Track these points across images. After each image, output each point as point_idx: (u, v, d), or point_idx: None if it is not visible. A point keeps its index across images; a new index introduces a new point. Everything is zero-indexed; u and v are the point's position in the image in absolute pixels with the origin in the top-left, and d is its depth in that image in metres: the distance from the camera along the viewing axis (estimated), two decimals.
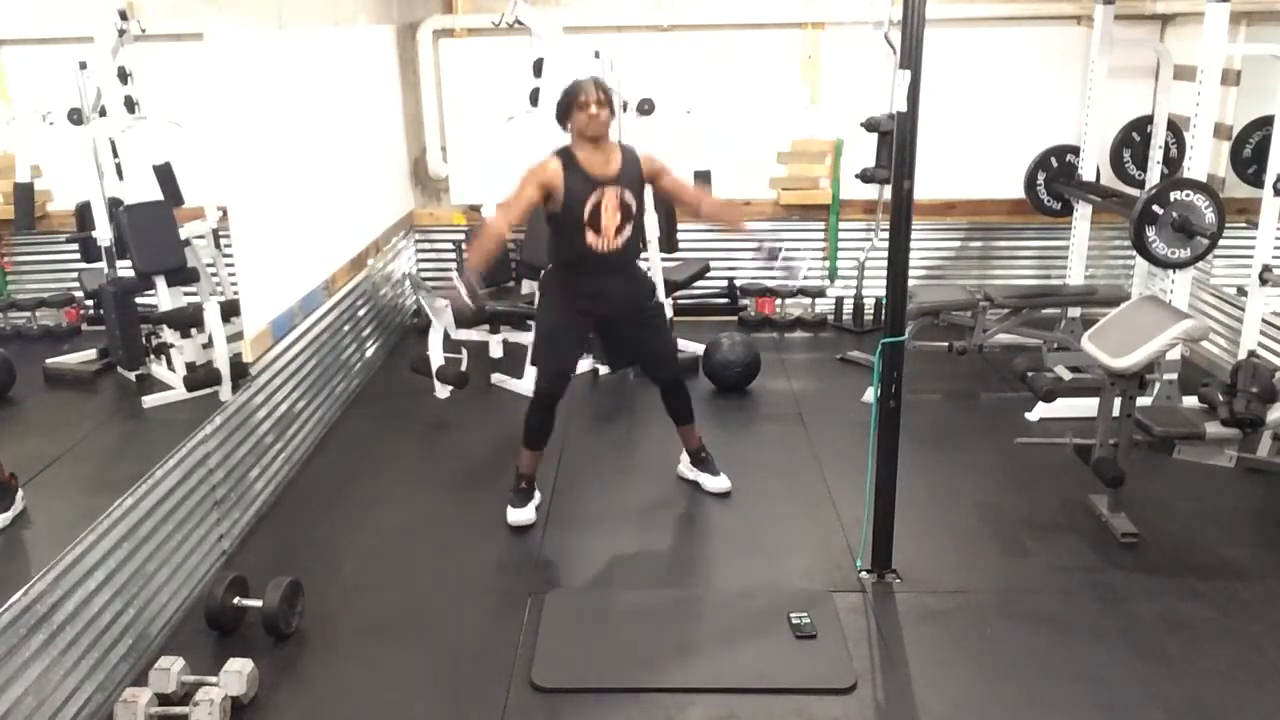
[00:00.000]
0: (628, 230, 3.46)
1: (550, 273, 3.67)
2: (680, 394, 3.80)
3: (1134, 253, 4.32)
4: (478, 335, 5.06)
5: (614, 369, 3.77)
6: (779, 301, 6.03)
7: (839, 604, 3.09)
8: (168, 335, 4.37)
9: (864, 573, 3.25)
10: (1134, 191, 5.13)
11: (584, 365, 4.55)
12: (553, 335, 3.64)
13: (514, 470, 3.70)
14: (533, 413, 3.65)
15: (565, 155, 3.41)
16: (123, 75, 4.32)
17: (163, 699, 2.62)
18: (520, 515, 3.61)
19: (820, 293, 6.03)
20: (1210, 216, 4.03)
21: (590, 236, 3.41)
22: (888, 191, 4.07)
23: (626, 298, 3.58)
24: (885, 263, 3.01)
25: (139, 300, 4.44)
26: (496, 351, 5.23)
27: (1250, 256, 4.26)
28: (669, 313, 4.69)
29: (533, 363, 3.72)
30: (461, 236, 5.88)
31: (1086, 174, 5.31)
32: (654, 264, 5.04)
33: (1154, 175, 5.05)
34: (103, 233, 4.37)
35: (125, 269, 4.40)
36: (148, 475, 2.93)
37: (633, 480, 3.99)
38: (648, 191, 5.10)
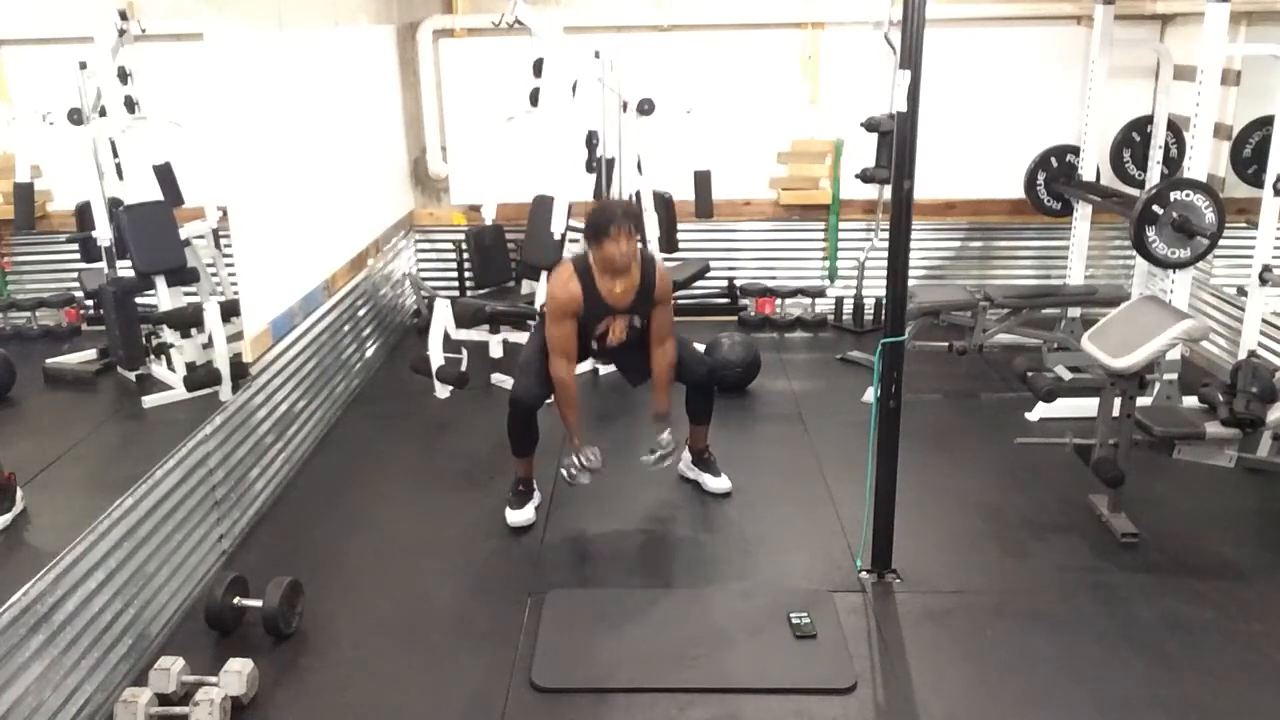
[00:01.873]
0: (634, 338, 3.59)
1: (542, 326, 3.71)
2: (707, 396, 3.81)
3: (1134, 253, 4.32)
4: (478, 335, 5.06)
5: (634, 384, 3.80)
6: (779, 301, 6.03)
7: (839, 604, 3.09)
8: (168, 335, 4.37)
9: (864, 573, 3.25)
10: (1134, 191, 5.13)
11: (584, 366, 4.55)
12: (540, 354, 3.60)
13: (513, 472, 3.70)
14: (511, 424, 3.63)
15: (585, 277, 3.45)
16: (123, 75, 4.32)
17: (163, 699, 2.62)
18: (519, 516, 3.61)
19: (820, 293, 6.04)
20: (1210, 216, 4.03)
21: (594, 344, 3.59)
22: (888, 191, 4.07)
23: (619, 352, 3.68)
24: (885, 263, 3.01)
25: (139, 300, 4.43)
26: (496, 351, 5.24)
27: (1250, 256, 4.26)
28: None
29: (516, 371, 3.72)
30: (461, 236, 5.88)
31: (1086, 174, 5.31)
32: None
33: (1154, 175, 5.05)
34: (103, 233, 4.37)
35: (125, 269, 4.40)
36: (148, 475, 2.92)
37: (633, 480, 3.99)
38: (647, 191, 5.13)
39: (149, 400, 4.22)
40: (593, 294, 3.45)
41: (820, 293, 6.03)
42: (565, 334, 3.46)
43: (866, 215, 5.91)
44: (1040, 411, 4.44)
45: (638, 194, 5.07)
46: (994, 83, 5.72)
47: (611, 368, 4.87)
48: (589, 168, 5.14)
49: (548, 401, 3.61)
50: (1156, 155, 5.03)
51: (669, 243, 5.20)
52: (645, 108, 5.16)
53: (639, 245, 3.47)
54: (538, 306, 4.69)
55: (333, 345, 4.62)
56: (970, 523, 3.63)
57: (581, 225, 5.20)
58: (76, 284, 5.04)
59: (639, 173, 5.12)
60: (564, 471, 3.53)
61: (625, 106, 5.07)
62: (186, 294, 4.56)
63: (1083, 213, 5.28)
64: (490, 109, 5.56)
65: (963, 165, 5.80)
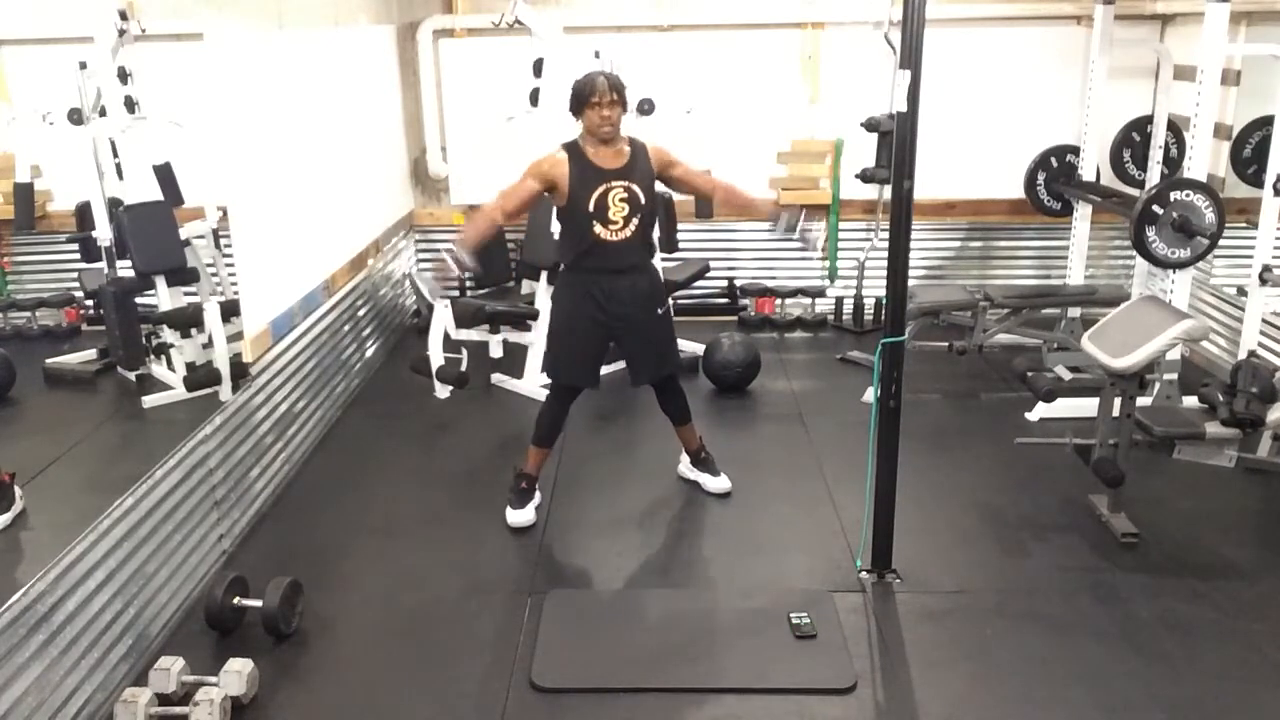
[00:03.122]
0: (636, 221, 3.44)
1: (562, 274, 3.65)
2: (675, 395, 3.79)
3: (1134, 253, 4.32)
4: (478, 335, 5.06)
5: (636, 384, 3.76)
6: (779, 301, 6.03)
7: (839, 604, 3.09)
8: (168, 335, 4.37)
9: (864, 573, 3.25)
10: (1134, 191, 5.13)
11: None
12: (568, 332, 3.58)
13: (513, 471, 3.69)
14: (547, 407, 3.65)
15: (572, 149, 3.42)
16: (123, 75, 4.32)
17: (163, 699, 2.62)
18: (519, 516, 3.61)
19: (820, 293, 6.04)
20: (1210, 216, 4.03)
21: (598, 228, 3.40)
22: (888, 191, 4.07)
23: (636, 301, 3.53)
24: (885, 263, 3.01)
25: (139, 300, 4.43)
26: (496, 351, 5.23)
27: (1250, 256, 4.26)
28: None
29: (546, 366, 3.70)
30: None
31: (1086, 174, 5.31)
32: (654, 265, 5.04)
33: (1154, 175, 5.05)
34: (103, 233, 4.36)
35: (125, 269, 4.40)
36: (148, 475, 2.92)
37: (633, 480, 3.99)
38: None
39: (149, 400, 4.22)
40: (582, 162, 3.38)
41: (820, 293, 6.03)
42: (522, 187, 3.40)
43: (866, 215, 5.91)
44: (1040, 411, 4.44)
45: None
46: (994, 83, 5.73)
47: (612, 368, 4.86)
48: None
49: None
50: (1156, 155, 5.03)
51: (669, 243, 5.20)
52: (645, 108, 5.15)
53: (623, 111, 3.41)
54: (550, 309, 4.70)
55: (333, 345, 4.62)
56: (970, 523, 3.63)
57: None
58: (76, 284, 5.03)
59: None
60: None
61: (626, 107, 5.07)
62: (186, 294, 4.56)
63: (1083, 213, 5.28)
64: (490, 109, 5.56)
65: (963, 165, 5.79)
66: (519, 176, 3.42)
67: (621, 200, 3.40)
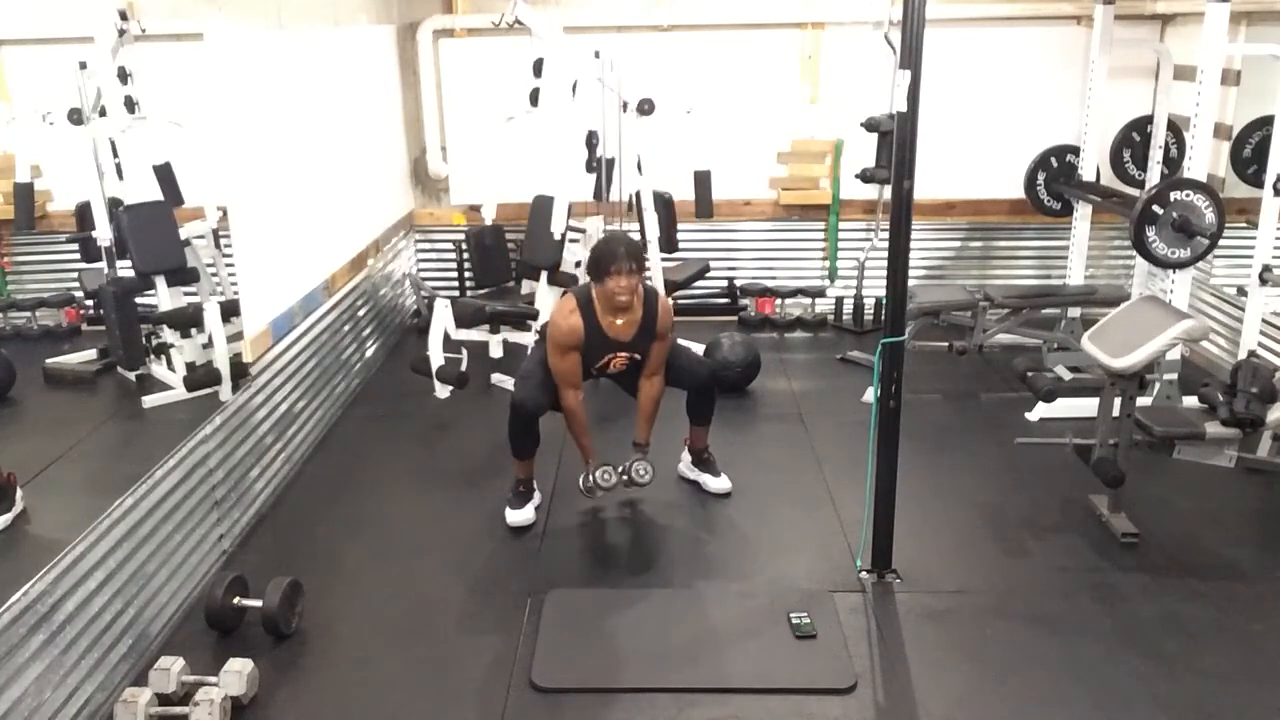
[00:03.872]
0: (630, 367, 3.63)
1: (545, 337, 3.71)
2: (708, 398, 3.81)
3: (1134, 253, 4.32)
4: (478, 335, 5.06)
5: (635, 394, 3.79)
6: (779, 301, 6.03)
7: (839, 604, 3.09)
8: (168, 335, 4.37)
9: (864, 573, 3.25)
10: (1134, 191, 5.13)
11: None
12: (543, 365, 3.60)
13: (513, 473, 3.70)
14: (512, 427, 3.63)
15: (586, 310, 3.46)
16: (123, 75, 4.32)
17: (163, 699, 2.62)
18: (519, 516, 3.61)
19: (820, 293, 6.04)
20: (1210, 216, 4.03)
21: (594, 372, 3.62)
22: (888, 191, 4.07)
23: (627, 375, 3.70)
24: (885, 263, 3.01)
25: (139, 300, 4.43)
26: (496, 351, 5.24)
27: (1250, 256, 4.26)
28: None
29: (517, 379, 3.72)
30: (461, 236, 5.88)
31: (1086, 174, 5.31)
32: (654, 264, 5.05)
33: (1154, 175, 5.05)
34: (103, 233, 4.36)
35: (125, 269, 4.40)
36: (148, 475, 2.92)
37: None
38: (647, 191, 5.12)
39: (149, 400, 4.22)
40: (594, 328, 3.46)
41: (820, 293, 6.03)
42: (569, 367, 3.48)
43: (866, 215, 5.91)
44: (1040, 411, 4.44)
45: (638, 194, 5.07)
46: (994, 83, 5.73)
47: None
48: (589, 168, 5.14)
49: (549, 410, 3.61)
50: (1156, 155, 5.03)
51: (669, 243, 5.20)
52: (645, 108, 5.15)
53: (641, 281, 3.46)
54: (539, 321, 4.70)
55: (333, 345, 4.62)
56: (970, 523, 3.63)
57: (580, 226, 5.22)
58: (76, 284, 5.03)
59: (639, 173, 5.12)
60: (582, 487, 3.60)
61: (625, 106, 5.07)
62: (186, 294, 4.55)
63: (1083, 213, 5.28)
64: (490, 109, 5.56)
65: (963, 165, 5.80)
66: (553, 356, 3.47)
67: (622, 364, 3.60)
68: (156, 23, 4.34)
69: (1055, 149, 5.43)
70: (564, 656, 2.86)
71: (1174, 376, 4.15)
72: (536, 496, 3.72)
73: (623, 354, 3.55)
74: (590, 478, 3.54)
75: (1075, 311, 5.03)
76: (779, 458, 4.19)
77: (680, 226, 5.35)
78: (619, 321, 3.48)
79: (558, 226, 4.89)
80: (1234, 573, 3.26)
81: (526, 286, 5.49)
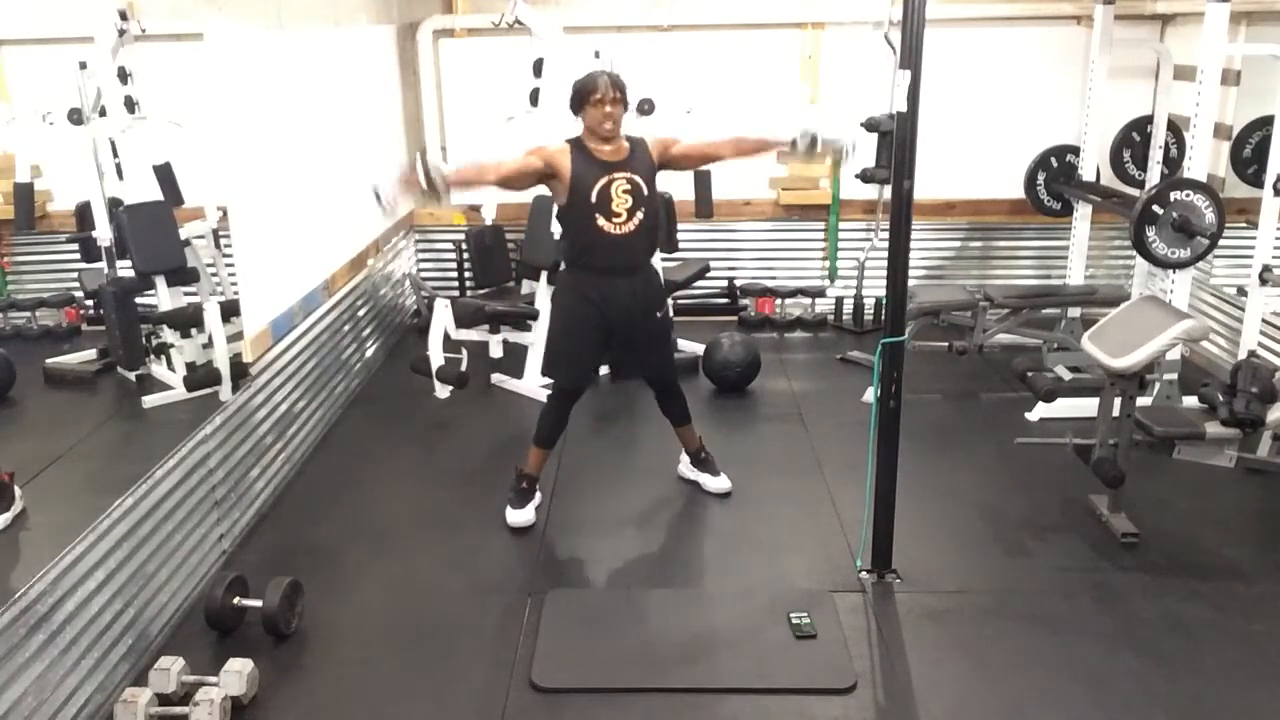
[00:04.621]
0: (640, 215, 3.41)
1: (561, 275, 3.66)
2: (675, 397, 3.80)
3: (1134, 253, 4.32)
4: (478, 335, 5.06)
5: (616, 379, 3.75)
6: (779, 301, 6.03)
7: (839, 604, 3.09)
8: (168, 335, 4.37)
9: (864, 573, 3.25)
10: (1134, 191, 5.13)
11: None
12: (567, 333, 3.58)
13: (514, 470, 3.69)
14: (550, 409, 3.64)
15: (575, 143, 3.42)
16: (123, 75, 4.32)
17: (163, 699, 2.62)
18: (519, 516, 3.61)
19: (820, 293, 6.04)
20: (1210, 216, 4.03)
21: (601, 221, 3.38)
22: (888, 191, 4.07)
23: (636, 302, 3.52)
24: (885, 263, 3.01)
25: (139, 300, 4.43)
26: (496, 351, 5.24)
27: (1250, 256, 4.26)
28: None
29: (545, 368, 3.70)
30: (461, 236, 5.88)
31: (1086, 174, 5.31)
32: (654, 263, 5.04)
33: (1154, 175, 5.05)
34: (103, 233, 4.36)
35: (125, 269, 4.40)
36: (148, 475, 2.92)
37: (633, 480, 3.99)
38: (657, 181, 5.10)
39: (149, 400, 4.22)
40: (583, 153, 3.38)
41: (820, 293, 6.03)
42: (523, 160, 3.35)
43: (866, 215, 5.91)
44: (1040, 411, 4.44)
45: None
46: (994, 83, 5.72)
47: (614, 377, 4.86)
48: None
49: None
50: (1156, 155, 5.03)
51: (669, 243, 5.20)
52: (645, 108, 5.15)
53: (624, 108, 3.38)
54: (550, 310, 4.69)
55: (333, 345, 4.62)
56: (970, 523, 3.63)
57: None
58: (76, 284, 5.04)
59: None
60: (379, 189, 3.24)
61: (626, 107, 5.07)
62: (186, 294, 4.55)
63: (1083, 213, 5.28)
64: (490, 109, 5.56)
65: (963, 165, 5.79)
66: (523, 154, 3.39)
67: (625, 192, 3.37)
68: (156, 23, 4.34)
69: (1055, 149, 5.43)
70: (564, 656, 2.86)
71: (1174, 376, 4.15)
72: (537, 496, 3.71)
73: (620, 174, 3.38)
74: (420, 173, 3.17)
75: (1075, 311, 5.03)
76: (779, 458, 4.19)
77: (680, 226, 5.35)
78: (607, 148, 3.39)
79: (558, 227, 4.88)
80: (1234, 573, 3.26)
81: (526, 286, 5.49)
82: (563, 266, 3.65)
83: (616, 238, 3.40)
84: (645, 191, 3.41)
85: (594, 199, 3.35)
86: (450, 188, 3.29)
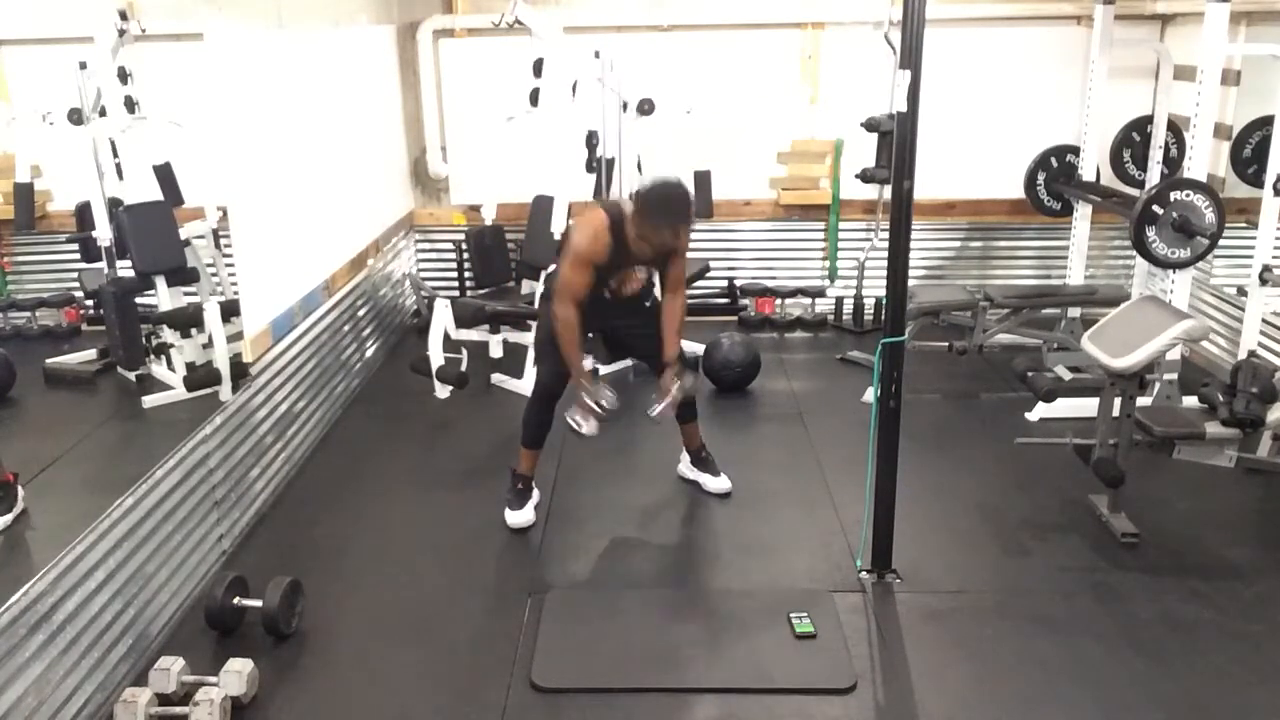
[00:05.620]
0: (639, 285, 3.61)
1: (553, 277, 3.67)
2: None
3: (1134, 253, 4.32)
4: (478, 335, 5.06)
5: (610, 361, 3.78)
6: (779, 301, 6.03)
7: (839, 604, 3.09)
8: (168, 335, 4.37)
9: (864, 573, 3.25)
10: (1134, 191, 5.13)
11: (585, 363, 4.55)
12: (551, 341, 3.59)
13: (510, 472, 3.69)
14: (531, 409, 3.65)
15: (616, 231, 3.40)
16: (123, 75, 4.32)
17: (163, 699, 2.62)
18: (519, 517, 3.61)
19: (820, 293, 6.04)
20: (1210, 216, 4.03)
21: (606, 291, 3.54)
22: (888, 191, 4.07)
23: (624, 308, 3.64)
24: (885, 263, 3.01)
25: (139, 300, 4.43)
26: (496, 351, 5.23)
27: (1250, 256, 4.26)
28: None
29: (536, 362, 3.73)
30: (461, 236, 5.88)
31: (1086, 174, 5.31)
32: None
33: (1154, 175, 5.05)
34: (103, 233, 4.37)
35: (125, 269, 4.40)
36: (148, 475, 2.92)
37: (633, 480, 3.99)
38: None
39: (149, 400, 4.22)
40: (620, 248, 3.41)
41: (820, 293, 6.03)
42: (583, 282, 3.41)
43: (866, 215, 5.91)
44: (1040, 411, 4.44)
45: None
46: (994, 83, 5.72)
47: (612, 368, 4.87)
48: (589, 168, 5.14)
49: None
50: (1156, 155, 5.03)
51: None
52: (645, 108, 5.16)
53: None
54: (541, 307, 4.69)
55: (333, 345, 4.62)
56: (970, 523, 3.63)
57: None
58: (76, 284, 5.04)
59: (639, 173, 5.13)
60: (570, 420, 3.46)
61: (625, 106, 5.07)
62: (186, 294, 4.56)
63: (1083, 213, 5.28)
64: (490, 109, 5.56)
65: (963, 165, 5.79)
66: (570, 267, 3.39)
67: (635, 280, 3.58)
68: (156, 23, 4.35)
69: (1055, 149, 5.43)
70: (564, 656, 2.86)
71: (1174, 376, 4.15)
72: (535, 496, 3.71)
73: (641, 270, 3.54)
74: (587, 399, 3.43)
75: (1075, 311, 5.03)
76: (779, 458, 4.19)
77: None
78: (647, 248, 3.43)
79: (558, 226, 4.89)
80: (1234, 573, 3.26)
81: (526, 286, 5.49)
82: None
83: (612, 300, 3.58)
84: (652, 281, 3.64)
85: (609, 279, 3.52)
86: (585, 373, 3.52)
